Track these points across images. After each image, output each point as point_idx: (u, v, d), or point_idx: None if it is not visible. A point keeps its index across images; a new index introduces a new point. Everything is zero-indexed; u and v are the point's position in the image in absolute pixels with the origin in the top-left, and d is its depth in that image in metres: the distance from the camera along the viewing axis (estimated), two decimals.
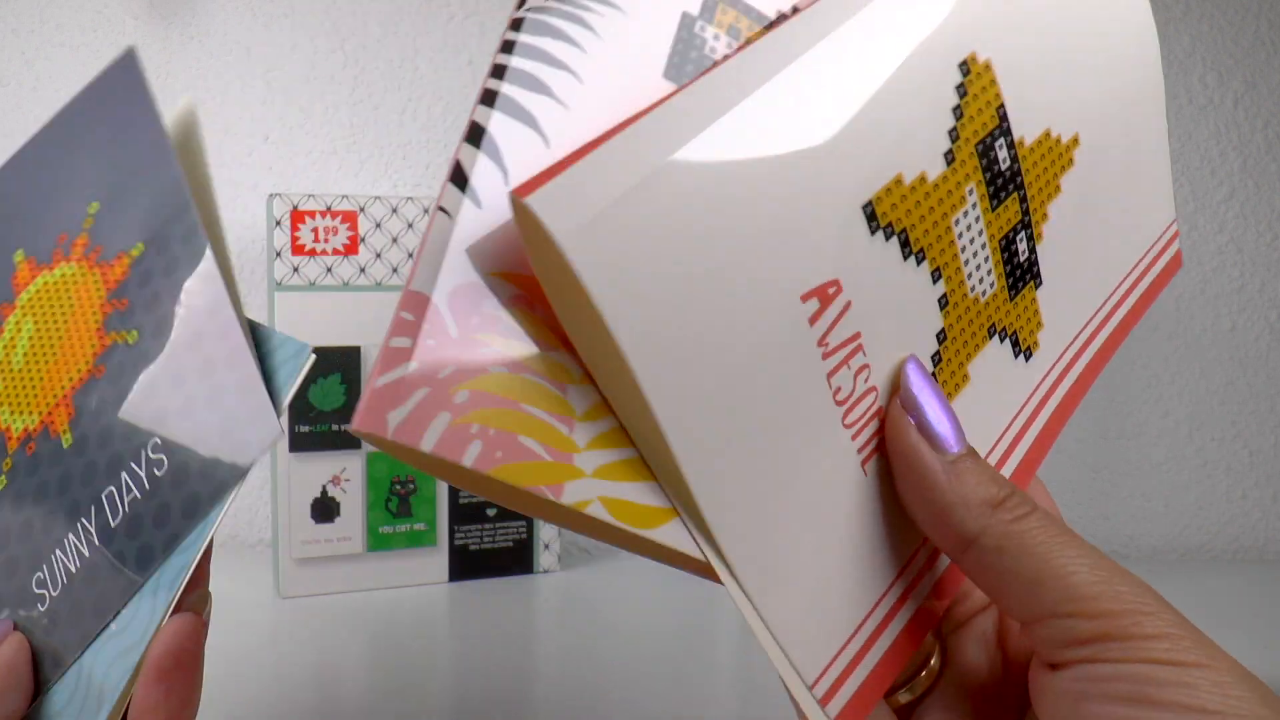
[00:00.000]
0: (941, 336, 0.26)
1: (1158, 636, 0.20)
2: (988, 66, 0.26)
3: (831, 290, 0.23)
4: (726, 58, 0.23)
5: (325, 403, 0.64)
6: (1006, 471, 0.28)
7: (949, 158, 0.25)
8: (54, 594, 0.29)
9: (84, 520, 0.29)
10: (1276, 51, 0.78)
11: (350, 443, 0.65)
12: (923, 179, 0.24)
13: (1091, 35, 0.29)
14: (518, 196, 0.19)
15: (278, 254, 0.63)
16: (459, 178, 0.21)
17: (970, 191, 0.25)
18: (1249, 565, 0.78)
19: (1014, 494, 0.22)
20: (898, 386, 0.24)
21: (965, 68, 0.25)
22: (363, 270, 0.65)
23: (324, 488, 0.63)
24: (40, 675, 0.29)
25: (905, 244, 0.24)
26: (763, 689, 0.53)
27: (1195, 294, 0.79)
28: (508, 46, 0.22)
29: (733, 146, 0.21)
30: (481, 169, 0.21)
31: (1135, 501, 0.80)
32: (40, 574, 0.30)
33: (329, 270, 0.64)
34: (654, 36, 0.23)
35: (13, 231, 0.34)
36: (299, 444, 0.64)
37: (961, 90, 0.25)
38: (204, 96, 0.74)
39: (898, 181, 0.24)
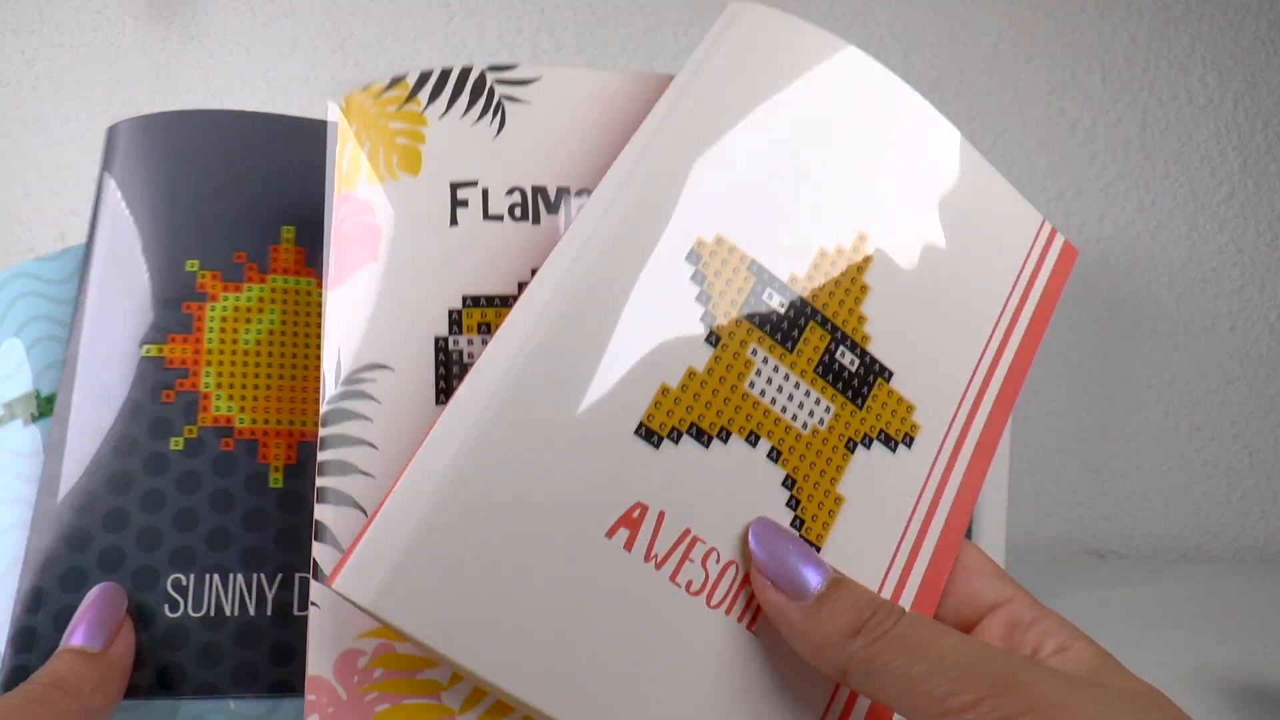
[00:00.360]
0: (789, 482, 0.27)
1: (1047, 706, 0.21)
2: (720, 240, 0.26)
3: (635, 514, 0.25)
4: (474, 363, 0.25)
5: None
6: (923, 554, 0.29)
7: (713, 340, 0.26)
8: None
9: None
10: (1276, 51, 0.78)
11: None
12: (691, 374, 0.26)
13: (834, 140, 0.29)
14: (329, 585, 0.23)
15: None
16: (316, 571, 0.25)
17: (754, 352, 0.26)
18: (1249, 565, 0.78)
19: (876, 612, 0.23)
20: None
21: (694, 255, 0.26)
22: None
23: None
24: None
25: (699, 435, 0.26)
26: None
27: (1195, 294, 0.79)
28: (321, 443, 0.26)
29: (495, 451, 0.24)
30: (325, 557, 0.25)
31: (1135, 501, 0.80)
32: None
33: None
34: (420, 376, 0.26)
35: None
36: None
37: (699, 277, 0.26)
38: (204, 96, 0.74)
39: (664, 391, 0.25)
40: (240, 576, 0.30)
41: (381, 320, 0.27)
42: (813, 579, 0.24)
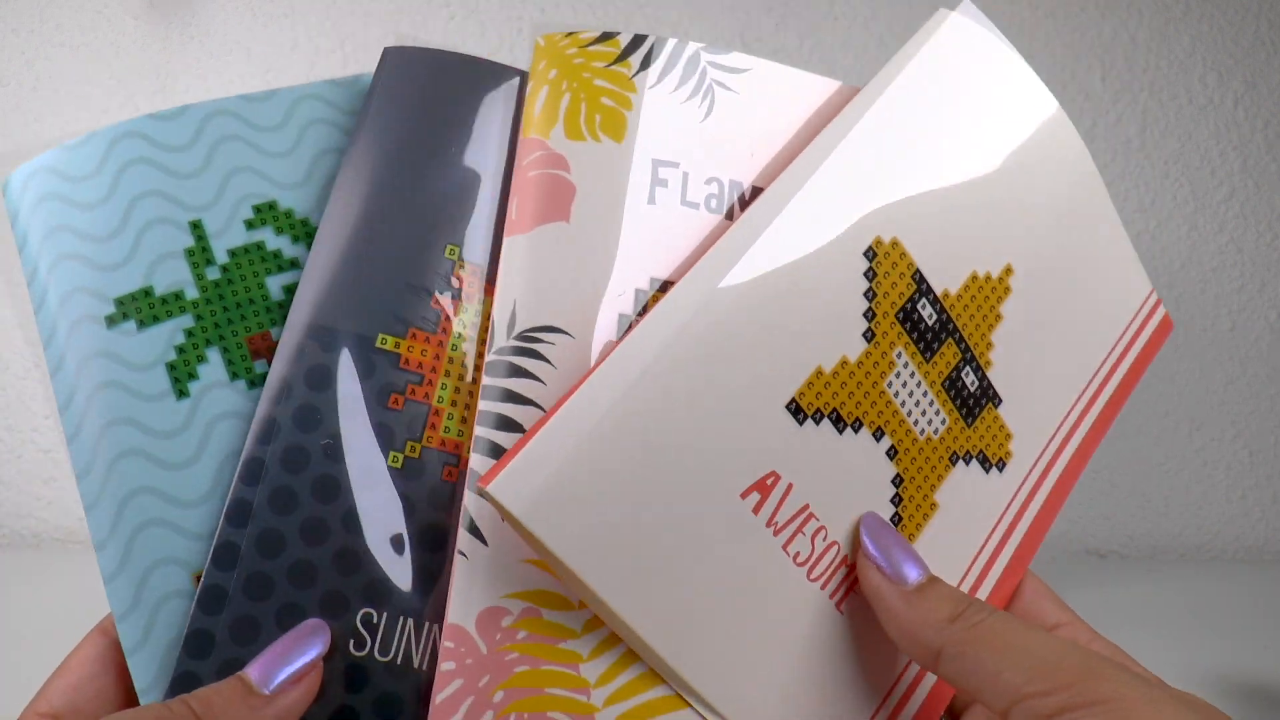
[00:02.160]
0: (898, 480, 0.28)
1: (1107, 700, 0.23)
2: (895, 243, 0.28)
3: (770, 481, 0.26)
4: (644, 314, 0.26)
5: None
6: (994, 570, 0.31)
7: (868, 335, 0.27)
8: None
9: None
10: (1276, 51, 0.78)
11: None
12: (844, 362, 0.27)
13: (1005, 171, 0.30)
14: (481, 486, 0.23)
15: None
16: (469, 524, 0.25)
17: (899, 355, 0.28)
18: (1249, 565, 0.78)
19: (970, 606, 0.25)
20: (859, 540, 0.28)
21: (871, 252, 0.27)
22: None
23: None
24: None
25: (838, 420, 0.27)
26: None
27: (1195, 294, 0.79)
28: (483, 391, 0.26)
29: (660, 395, 0.24)
30: (480, 511, 0.25)
31: (1135, 501, 0.80)
32: None
33: None
34: (600, 349, 0.26)
35: None
36: None
37: (870, 274, 0.27)
38: (204, 97, 0.74)
39: (818, 373, 0.26)
40: (437, 629, 0.26)
41: (566, 284, 0.26)
42: (912, 571, 0.26)
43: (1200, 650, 0.59)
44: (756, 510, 0.26)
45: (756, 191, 0.29)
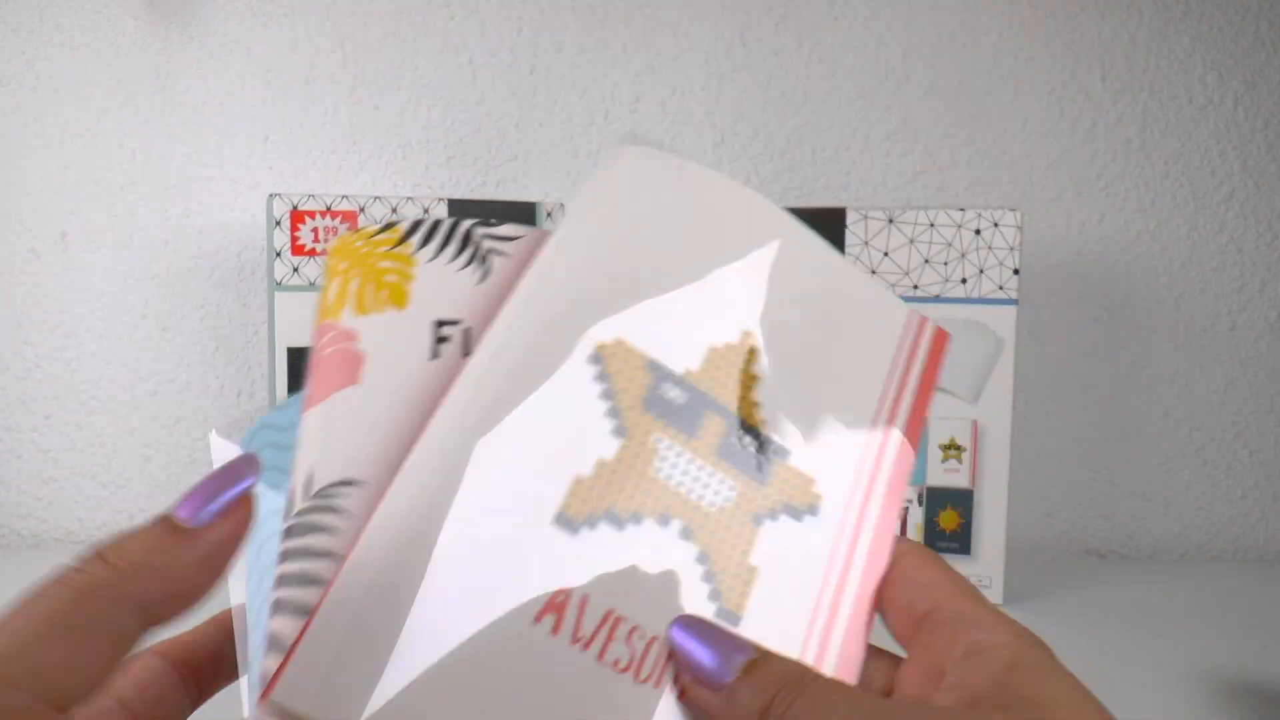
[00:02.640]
0: (703, 558, 0.28)
1: None
2: (620, 342, 0.29)
3: (560, 599, 0.26)
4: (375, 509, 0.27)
5: None
6: (841, 612, 0.30)
7: (619, 431, 0.28)
8: None
9: None
10: (1276, 51, 0.78)
11: None
12: (602, 464, 0.27)
13: (713, 252, 0.32)
14: (261, 702, 0.23)
15: (278, 254, 0.63)
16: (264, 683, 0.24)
17: (659, 441, 0.28)
18: (1249, 565, 0.78)
19: (781, 690, 0.25)
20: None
21: (596, 357, 0.28)
22: None
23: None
24: None
25: (614, 519, 0.27)
26: None
27: (1195, 294, 0.79)
28: (283, 555, 0.26)
29: (417, 551, 0.25)
30: (269, 664, 0.25)
31: (1135, 501, 0.80)
32: None
33: None
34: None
35: None
36: None
37: (602, 375, 0.28)
38: (204, 96, 0.74)
39: (578, 481, 0.27)
40: None
41: (358, 439, 0.28)
42: (726, 668, 0.26)
43: (1200, 650, 0.59)
44: (556, 631, 0.26)
45: None
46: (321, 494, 0.27)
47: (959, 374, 0.65)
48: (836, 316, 0.33)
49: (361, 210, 0.64)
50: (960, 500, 0.66)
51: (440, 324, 0.30)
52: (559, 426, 0.27)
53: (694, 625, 0.27)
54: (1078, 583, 0.71)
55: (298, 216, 0.63)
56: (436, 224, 0.31)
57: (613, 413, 0.28)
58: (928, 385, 0.34)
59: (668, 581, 0.27)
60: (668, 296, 0.30)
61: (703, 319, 0.30)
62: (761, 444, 0.30)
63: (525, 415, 0.27)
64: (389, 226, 0.31)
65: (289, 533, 0.26)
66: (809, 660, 0.28)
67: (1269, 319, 0.79)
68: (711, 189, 0.32)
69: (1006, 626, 0.26)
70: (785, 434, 0.31)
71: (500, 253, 0.31)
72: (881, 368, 0.34)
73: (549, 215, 0.69)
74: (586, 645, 0.26)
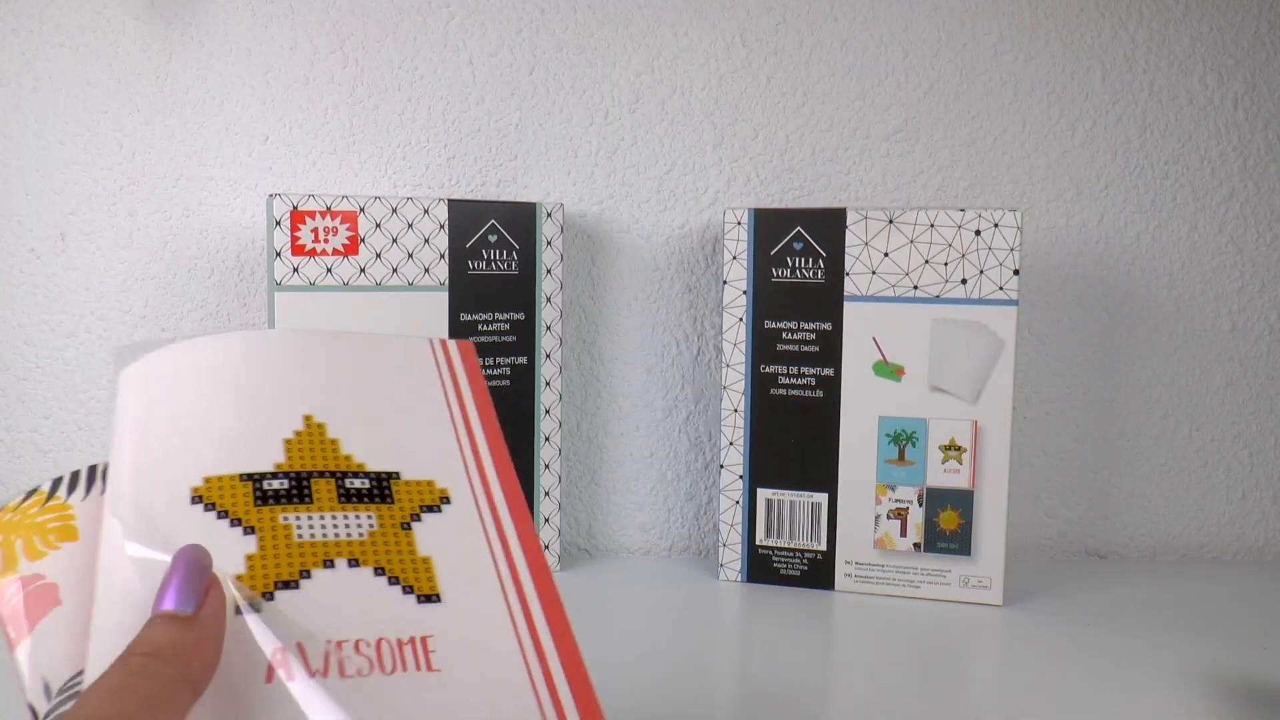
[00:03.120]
0: (379, 571, 0.33)
1: None
2: (207, 480, 0.34)
3: (278, 656, 0.29)
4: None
5: None
6: (515, 554, 0.36)
7: (249, 530, 0.33)
8: None
9: None
10: (1277, 52, 0.78)
11: None
12: (250, 557, 0.32)
13: (238, 379, 0.38)
14: None
15: (278, 254, 0.63)
16: None
17: (285, 518, 0.34)
18: (1249, 565, 0.78)
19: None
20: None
21: (196, 498, 0.34)
22: (363, 270, 0.65)
23: None
24: None
25: (286, 585, 0.32)
26: (762, 690, 0.53)
27: (1195, 294, 0.79)
28: None
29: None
30: None
31: (1135, 501, 0.80)
32: None
33: (329, 270, 0.64)
34: None
35: None
36: None
37: (210, 506, 0.34)
38: (204, 96, 0.74)
39: (238, 577, 0.31)
40: None
41: (78, 640, 0.31)
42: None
43: (1200, 650, 0.59)
44: (291, 679, 0.29)
45: None
46: (64, 689, 0.30)
47: (959, 374, 0.65)
48: (375, 369, 0.40)
49: (361, 210, 0.64)
50: (960, 500, 0.66)
51: (123, 538, 0.34)
52: (205, 547, 0.31)
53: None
54: (1078, 583, 0.71)
55: (298, 216, 0.63)
56: (76, 474, 0.37)
57: (234, 523, 0.33)
58: (480, 387, 0.41)
59: (361, 596, 0.32)
60: (217, 427, 0.36)
61: (264, 424, 0.37)
62: (371, 477, 0.36)
63: (157, 565, 0.31)
64: (30, 494, 0.36)
65: None
66: (513, 603, 0.34)
67: (1269, 319, 0.79)
68: (212, 348, 0.39)
69: None
70: (384, 461, 0.37)
71: None
72: (433, 386, 0.40)
73: (549, 215, 0.69)
74: (325, 673, 0.29)
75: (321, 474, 0.35)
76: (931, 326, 0.65)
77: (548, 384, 0.70)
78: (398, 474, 0.36)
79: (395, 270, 0.65)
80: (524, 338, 0.69)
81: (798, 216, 0.67)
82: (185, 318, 0.75)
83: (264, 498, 0.34)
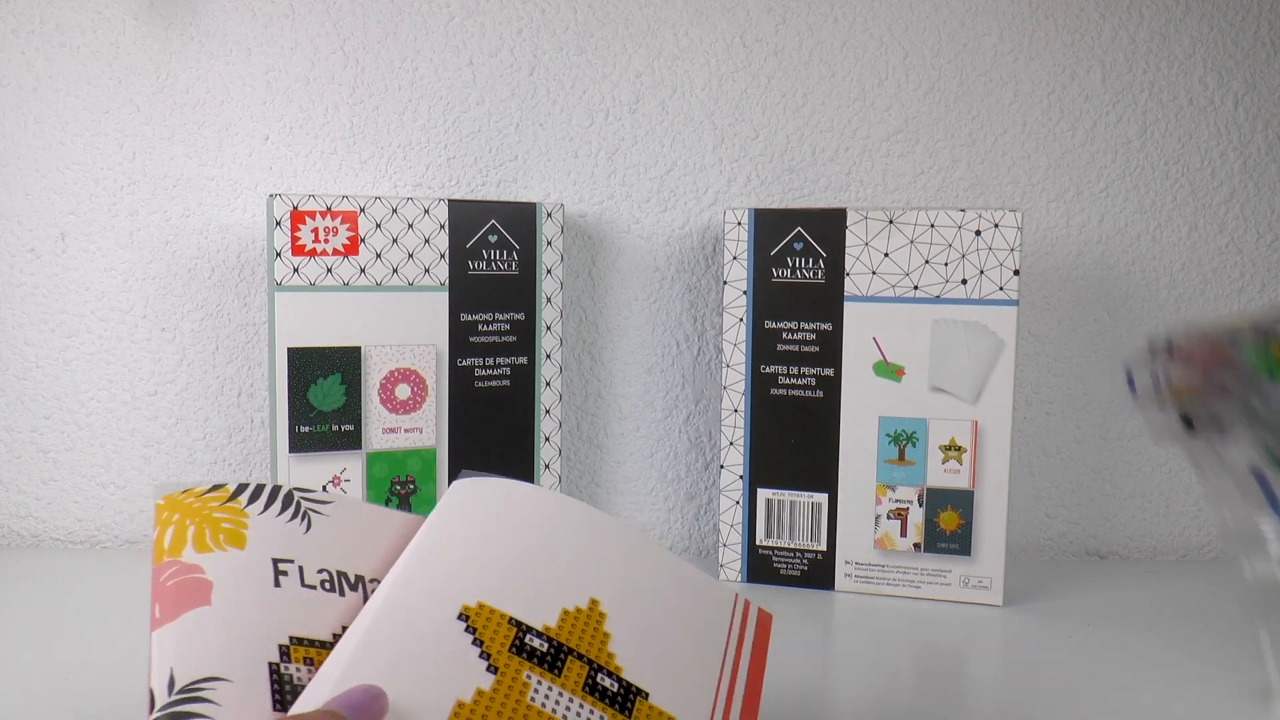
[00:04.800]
0: None
1: None
2: (481, 605, 0.36)
3: None
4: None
5: (325, 403, 0.64)
6: None
7: (492, 669, 0.34)
8: None
9: None
10: (1277, 52, 0.78)
11: (350, 443, 0.65)
12: (480, 692, 0.33)
13: (557, 540, 0.40)
14: None
15: (278, 254, 0.63)
16: None
17: (529, 675, 0.35)
18: None
19: None
20: None
21: (464, 616, 0.35)
22: (363, 270, 0.65)
23: (324, 487, 0.63)
24: None
25: None
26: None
27: (1195, 294, 0.79)
28: None
29: None
30: None
31: (1135, 502, 0.80)
32: None
33: (329, 270, 0.64)
34: (257, 689, 0.32)
35: None
36: (298, 444, 0.64)
37: (470, 629, 0.35)
38: (204, 96, 0.74)
39: (459, 705, 0.32)
40: None
41: (217, 645, 0.32)
42: None
43: (1200, 650, 0.59)
44: None
45: (359, 577, 0.38)
46: (188, 689, 0.31)
47: (959, 374, 0.65)
48: (674, 590, 0.41)
49: (362, 210, 0.64)
50: (960, 500, 0.66)
51: (277, 561, 0.36)
52: (436, 666, 0.33)
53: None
54: (1078, 583, 0.71)
55: (298, 216, 0.63)
56: (260, 487, 0.38)
57: (484, 656, 0.34)
58: (760, 649, 0.42)
59: None
60: (513, 568, 0.38)
61: (554, 586, 0.38)
62: (623, 686, 0.37)
63: (401, 658, 0.33)
64: (217, 487, 0.38)
65: None
66: None
67: None
68: (540, 498, 0.41)
69: None
70: (643, 679, 0.37)
71: (318, 512, 0.39)
72: (720, 635, 0.41)
73: (549, 215, 0.69)
74: None
75: (581, 656, 0.37)
76: (931, 326, 0.65)
77: (548, 384, 0.70)
78: (647, 694, 0.37)
79: (395, 270, 0.65)
80: (524, 338, 0.69)
81: (798, 217, 0.67)
82: (185, 318, 0.75)
83: (520, 649, 0.35)
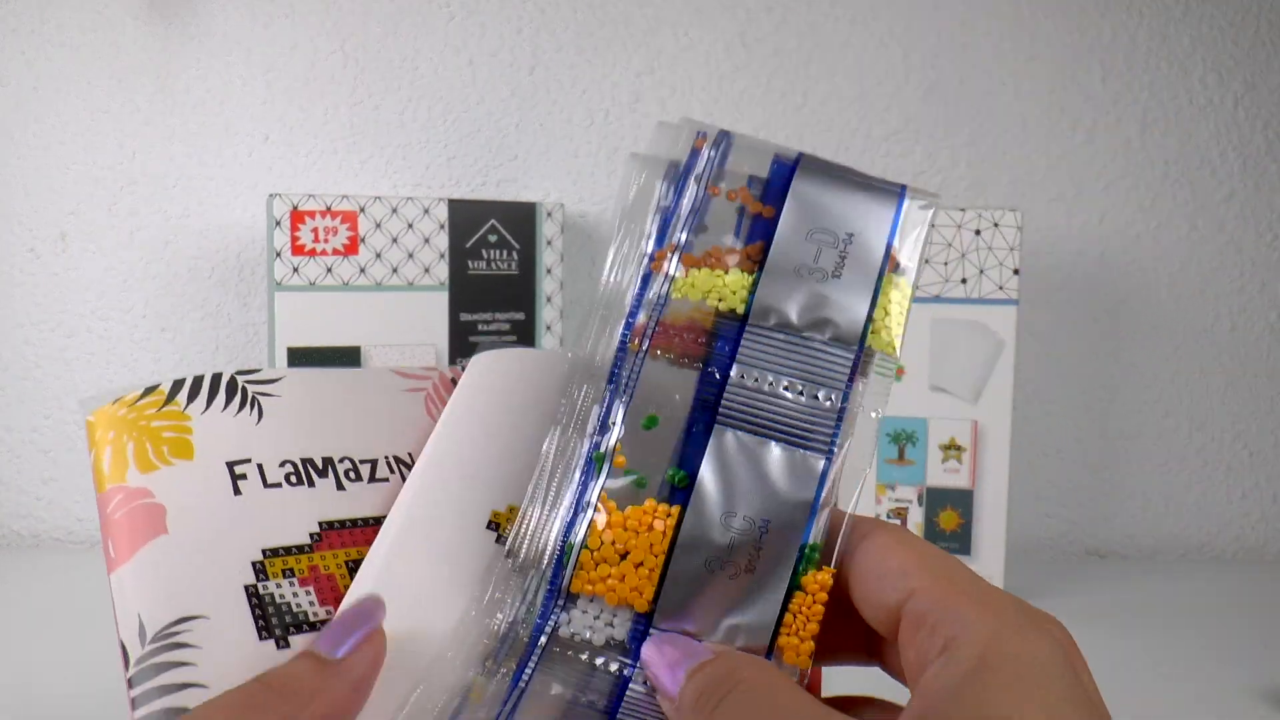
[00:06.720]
0: None
1: None
2: (511, 508, 0.32)
3: None
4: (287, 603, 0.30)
5: None
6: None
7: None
8: None
9: None
10: (1276, 52, 0.78)
11: None
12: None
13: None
14: None
15: (278, 254, 0.63)
16: None
17: None
18: (1249, 565, 0.78)
19: (711, 690, 0.25)
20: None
21: (493, 524, 0.32)
22: (363, 270, 0.65)
23: None
24: None
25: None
26: None
27: (1195, 294, 0.79)
28: (135, 702, 0.27)
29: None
30: None
31: (1135, 501, 0.80)
32: None
33: (329, 270, 0.64)
34: (238, 620, 0.29)
35: None
36: None
37: (501, 540, 0.31)
38: (204, 96, 0.74)
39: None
40: None
41: (184, 579, 0.29)
42: (674, 683, 0.26)
43: (1200, 650, 0.59)
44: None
45: (326, 460, 0.34)
46: (162, 635, 0.28)
47: (959, 374, 0.65)
48: None
49: (361, 210, 0.64)
50: (960, 500, 0.66)
51: (232, 465, 0.32)
52: (467, 584, 0.30)
53: (656, 644, 0.27)
54: (1078, 583, 0.71)
55: (298, 216, 0.63)
56: (199, 379, 0.34)
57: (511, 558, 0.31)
58: None
59: None
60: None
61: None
62: None
63: (432, 576, 0.30)
64: (150, 390, 0.33)
65: (136, 680, 0.27)
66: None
67: (1269, 319, 0.79)
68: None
69: (987, 615, 0.23)
70: None
71: (268, 394, 0.34)
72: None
73: (549, 215, 0.69)
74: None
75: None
76: (931, 326, 0.65)
77: None
78: None
79: (395, 270, 0.65)
80: (524, 338, 0.69)
81: None
82: (185, 318, 0.75)
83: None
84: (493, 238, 0.68)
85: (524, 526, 0.29)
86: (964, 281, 0.64)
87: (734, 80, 0.77)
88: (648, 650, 0.27)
